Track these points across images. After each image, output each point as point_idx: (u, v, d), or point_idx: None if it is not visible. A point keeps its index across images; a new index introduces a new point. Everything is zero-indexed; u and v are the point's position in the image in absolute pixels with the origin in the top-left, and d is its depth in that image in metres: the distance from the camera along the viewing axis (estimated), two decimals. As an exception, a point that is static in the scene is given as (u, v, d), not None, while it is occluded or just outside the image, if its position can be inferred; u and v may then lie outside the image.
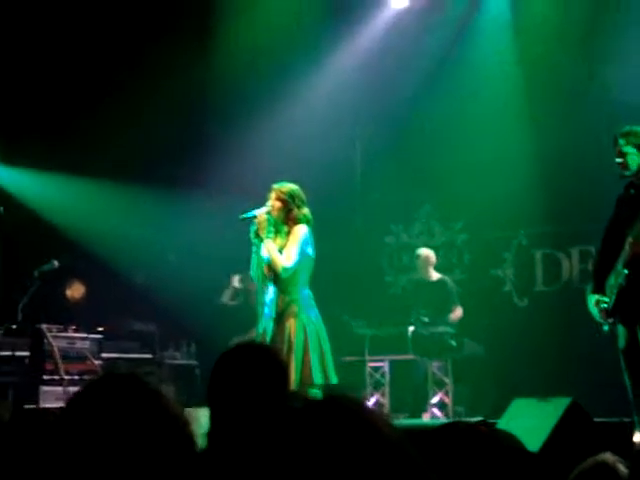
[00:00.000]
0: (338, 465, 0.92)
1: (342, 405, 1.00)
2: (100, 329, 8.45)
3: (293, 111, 10.23)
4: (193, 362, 9.50)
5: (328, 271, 8.00)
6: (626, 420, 5.79)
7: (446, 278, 9.46)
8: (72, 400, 1.26)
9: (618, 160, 5.66)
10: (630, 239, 5.45)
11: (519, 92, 9.72)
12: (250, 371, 2.65)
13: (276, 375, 2.69)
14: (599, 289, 5.70)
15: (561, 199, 9.34)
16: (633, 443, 4.89)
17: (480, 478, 1.95)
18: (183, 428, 1.21)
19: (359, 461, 0.93)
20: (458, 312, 9.19)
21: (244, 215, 6.21)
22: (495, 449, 2.03)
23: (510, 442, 2.15)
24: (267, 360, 2.73)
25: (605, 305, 5.61)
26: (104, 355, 8.35)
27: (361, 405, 1.00)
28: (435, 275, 9.44)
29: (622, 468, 2.37)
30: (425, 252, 9.53)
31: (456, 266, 10.42)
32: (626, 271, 5.45)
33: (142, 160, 9.60)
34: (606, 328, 5.71)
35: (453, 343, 9.03)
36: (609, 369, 6.08)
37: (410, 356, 9.12)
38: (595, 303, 5.69)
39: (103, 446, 1.14)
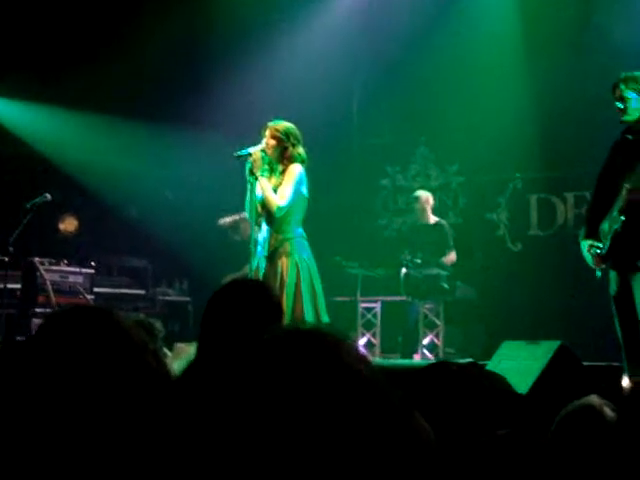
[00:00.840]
0: (305, 395, 0.91)
1: (312, 336, 0.99)
2: (93, 264, 8.45)
3: (292, 50, 10.13)
4: (186, 298, 9.53)
5: (322, 212, 7.99)
6: (615, 364, 5.83)
7: (444, 222, 9.44)
8: (36, 332, 1.25)
9: (619, 105, 5.61)
10: (627, 185, 5.43)
11: (517, 37, 9.64)
12: (243, 306, 2.64)
13: (269, 311, 2.68)
14: (592, 234, 5.70)
15: (557, 144, 9.30)
16: (621, 387, 4.92)
17: (468, 417, 1.95)
18: (148, 358, 1.20)
19: (325, 393, 0.92)
20: (452, 256, 9.19)
21: (239, 152, 6.17)
22: (483, 390, 2.03)
23: (499, 383, 2.16)
24: (260, 296, 2.73)
25: (599, 250, 5.61)
26: (96, 290, 8.36)
27: (334, 338, 0.99)
28: (433, 218, 9.40)
29: (608, 411, 2.38)
30: (424, 194, 9.49)
31: (451, 209, 10.41)
32: (623, 217, 5.43)
33: (138, 95, 9.50)
34: (599, 274, 5.72)
35: (445, 286, 9.05)
36: (600, 314, 6.11)
37: (402, 297, 9.15)
38: (588, 248, 5.69)
39: (61, 377, 1.13)
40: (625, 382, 5.00)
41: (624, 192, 5.44)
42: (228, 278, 8.78)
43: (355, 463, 0.89)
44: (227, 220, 9.43)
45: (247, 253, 6.23)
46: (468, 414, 1.95)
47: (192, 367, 2.32)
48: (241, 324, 2.56)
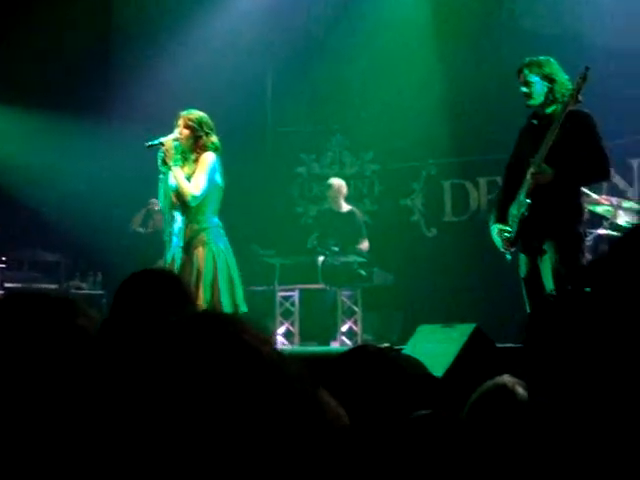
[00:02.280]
0: (204, 374, 0.90)
1: (214, 318, 0.98)
2: (3, 259, 8.25)
3: (203, 39, 10.02)
4: (99, 292, 9.36)
5: (238, 201, 7.94)
6: (527, 345, 5.94)
7: (355, 210, 9.51)
8: None
9: (524, 90, 5.72)
10: (532, 169, 5.53)
11: (427, 23, 9.71)
12: (151, 296, 2.60)
13: (178, 299, 2.64)
14: (502, 219, 5.80)
15: (469, 130, 9.43)
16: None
17: (384, 400, 1.96)
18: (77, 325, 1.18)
19: (225, 371, 0.91)
20: (364, 245, 9.28)
21: (151, 142, 6.09)
22: (400, 373, 2.04)
23: (415, 367, 2.17)
24: (169, 285, 2.69)
25: (507, 235, 5.71)
26: (7, 285, 8.17)
27: (236, 320, 0.98)
28: (345, 207, 9.47)
29: (520, 390, 2.42)
30: (337, 182, 9.54)
31: (366, 196, 10.46)
32: (529, 201, 5.54)
33: (48, 86, 9.30)
34: (509, 257, 5.83)
35: (363, 272, 9.11)
36: (512, 297, 6.21)
37: (320, 285, 9.17)
38: (498, 232, 5.79)
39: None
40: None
41: (529, 176, 5.55)
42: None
43: (255, 441, 0.88)
44: (137, 222, 9.34)
45: (162, 245, 6.17)
46: (386, 396, 1.95)
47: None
48: (150, 313, 2.52)
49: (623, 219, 6.86)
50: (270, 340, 0.98)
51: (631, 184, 8.42)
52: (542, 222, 5.52)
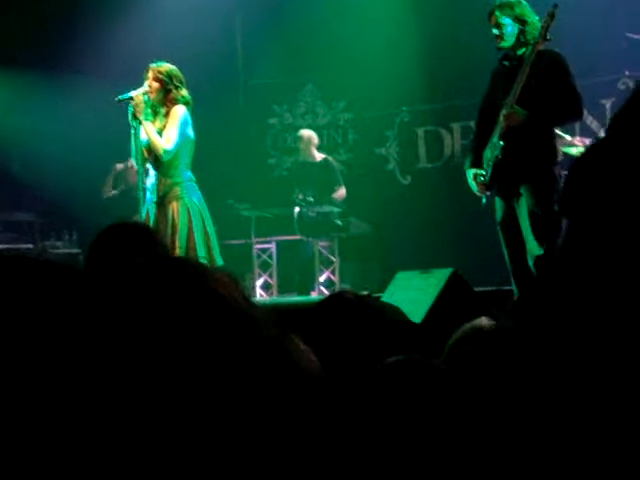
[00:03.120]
0: (168, 320, 0.89)
1: (179, 263, 0.96)
2: (-25, 221, 8.18)
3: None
4: (76, 250, 9.30)
5: (210, 154, 7.89)
6: (505, 289, 5.98)
7: (329, 158, 9.50)
8: None
9: (495, 32, 5.69)
10: (504, 111, 5.52)
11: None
12: (125, 248, 2.58)
13: (153, 252, 2.62)
14: (476, 163, 5.79)
15: (441, 75, 9.38)
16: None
17: (363, 346, 1.96)
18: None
19: (188, 317, 0.90)
20: (342, 192, 9.26)
21: (120, 97, 6.02)
22: (378, 319, 2.04)
23: (393, 313, 2.17)
24: (142, 237, 2.66)
25: (482, 179, 5.71)
26: (-19, 247, 8.10)
27: (202, 266, 0.97)
28: (319, 156, 9.45)
29: (498, 332, 2.42)
30: (307, 133, 9.52)
31: (341, 146, 10.43)
32: (502, 143, 5.53)
33: (12, 43, 9.12)
34: (484, 201, 5.83)
35: (339, 222, 9.11)
36: (490, 241, 6.23)
37: (297, 236, 9.17)
38: (473, 177, 5.78)
39: None
40: (515, 304, 5.12)
41: (501, 118, 5.54)
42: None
43: (222, 388, 0.87)
44: (108, 187, 9.28)
45: (136, 201, 6.12)
46: (364, 342, 1.95)
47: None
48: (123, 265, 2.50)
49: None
50: (238, 286, 0.97)
51: (604, 125, 8.42)
52: (517, 165, 5.52)
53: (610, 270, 1.25)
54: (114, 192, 9.42)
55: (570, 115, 5.71)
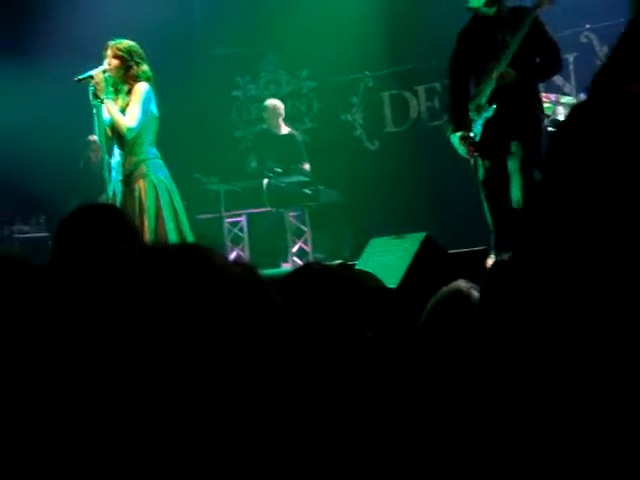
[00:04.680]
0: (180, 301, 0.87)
1: (184, 250, 0.94)
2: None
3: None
4: (44, 234, 9.19)
5: (175, 130, 7.81)
6: (478, 249, 5.99)
7: (295, 132, 9.45)
8: None
9: None
10: (496, 72, 5.54)
11: None
12: (92, 231, 2.53)
13: (121, 233, 2.58)
14: (460, 126, 5.78)
15: (403, 38, 9.33)
16: (485, 268, 5.08)
17: (339, 317, 1.93)
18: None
19: (205, 305, 0.89)
20: (306, 167, 9.24)
21: (79, 76, 5.94)
22: (349, 288, 2.01)
23: (368, 281, 2.14)
24: (111, 218, 2.61)
25: (471, 140, 5.71)
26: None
27: (205, 249, 0.96)
28: (285, 129, 9.40)
29: (475, 293, 2.42)
30: (272, 103, 9.45)
31: (305, 115, 10.36)
32: (494, 105, 5.56)
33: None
34: (472, 163, 5.84)
35: (308, 192, 9.07)
36: (460, 202, 6.24)
37: (267, 208, 9.13)
38: (460, 140, 5.77)
39: None
40: (489, 263, 5.14)
41: (493, 78, 5.55)
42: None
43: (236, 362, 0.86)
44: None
45: (101, 179, 6.07)
46: (337, 313, 1.92)
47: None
48: (93, 249, 2.45)
49: (563, 115, 6.89)
50: (244, 263, 0.96)
51: (568, 80, 8.41)
52: (508, 123, 5.55)
53: (589, 233, 1.24)
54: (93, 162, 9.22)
55: (554, 69, 5.85)
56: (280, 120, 9.39)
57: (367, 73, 9.87)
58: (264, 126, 9.61)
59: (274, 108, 9.39)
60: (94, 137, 8.76)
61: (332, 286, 1.91)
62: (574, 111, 1.35)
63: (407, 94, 9.73)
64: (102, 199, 8.35)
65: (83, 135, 8.79)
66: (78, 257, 1.05)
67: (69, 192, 8.68)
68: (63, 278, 1.00)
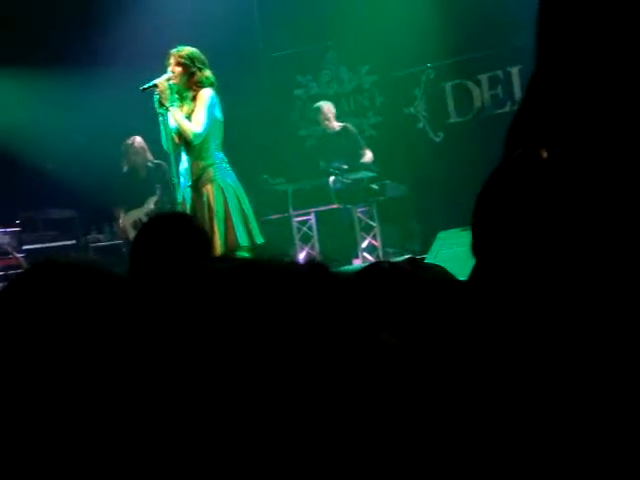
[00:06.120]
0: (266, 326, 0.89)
1: (272, 266, 0.96)
2: (17, 222, 8.26)
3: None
4: (118, 241, 9.38)
5: (240, 133, 7.87)
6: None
7: (347, 124, 9.50)
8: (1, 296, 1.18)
9: None
10: None
11: None
12: (167, 241, 2.59)
13: (195, 241, 2.64)
14: None
15: (463, 28, 9.26)
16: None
17: (410, 315, 1.94)
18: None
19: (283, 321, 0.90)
20: (368, 155, 9.25)
21: (144, 85, 6.03)
22: (420, 283, 2.02)
23: (437, 274, 2.14)
24: (184, 227, 2.67)
25: None
26: (25, 247, 8.19)
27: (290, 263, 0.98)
28: (337, 125, 9.46)
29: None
30: (324, 105, 9.55)
31: (369, 110, 10.37)
32: None
33: (30, 41, 9.15)
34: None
35: (375, 187, 9.07)
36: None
37: (335, 205, 9.16)
38: None
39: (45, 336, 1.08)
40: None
41: None
42: (126, 215, 8.75)
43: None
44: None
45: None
46: (403, 310, 1.93)
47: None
48: (166, 258, 2.51)
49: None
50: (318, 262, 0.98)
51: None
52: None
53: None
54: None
55: None
56: (333, 119, 9.48)
57: (428, 65, 9.83)
58: (319, 128, 9.70)
59: (327, 109, 9.49)
60: (132, 139, 8.93)
61: (399, 284, 1.93)
62: (493, 175, 1.45)
63: (470, 84, 9.67)
64: (149, 205, 8.57)
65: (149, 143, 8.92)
66: (158, 268, 1.07)
67: (138, 200, 8.86)
68: (146, 290, 1.02)
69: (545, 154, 1.37)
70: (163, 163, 8.48)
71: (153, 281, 1.02)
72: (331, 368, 0.88)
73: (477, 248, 1.43)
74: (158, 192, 8.69)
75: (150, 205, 8.71)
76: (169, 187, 8.47)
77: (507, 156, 1.52)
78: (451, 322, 1.51)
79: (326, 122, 9.47)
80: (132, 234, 8.78)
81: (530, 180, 1.35)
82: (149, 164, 8.84)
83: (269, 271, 0.94)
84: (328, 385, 0.87)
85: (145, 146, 8.93)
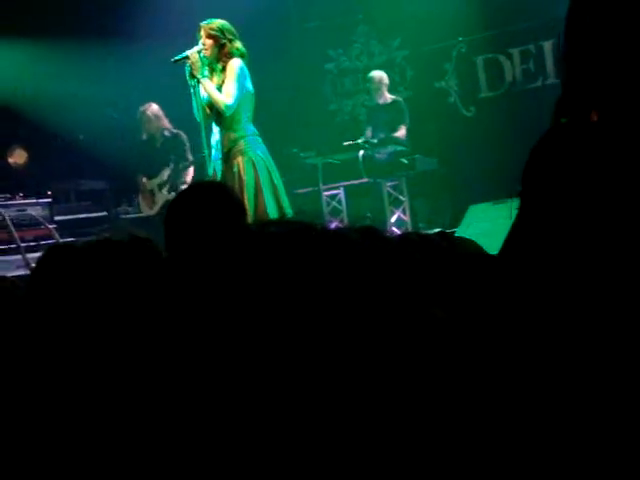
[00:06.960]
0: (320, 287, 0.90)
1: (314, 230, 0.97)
2: (49, 193, 8.32)
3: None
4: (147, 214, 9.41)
5: (271, 106, 7.87)
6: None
7: (399, 98, 9.45)
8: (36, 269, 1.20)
9: None
10: None
11: None
12: (203, 209, 2.60)
13: (230, 210, 2.64)
14: None
15: (496, 1, 9.18)
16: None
17: (448, 288, 1.94)
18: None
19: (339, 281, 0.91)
20: (402, 131, 9.21)
21: (176, 57, 6.04)
22: (447, 257, 2.02)
23: (469, 248, 2.14)
24: (220, 197, 2.68)
25: None
26: (57, 218, 8.25)
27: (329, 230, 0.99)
28: (389, 97, 9.41)
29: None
30: (378, 74, 9.47)
31: (399, 84, 10.31)
32: None
33: (61, 14, 9.18)
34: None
35: (405, 161, 9.04)
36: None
37: (364, 179, 9.15)
38: None
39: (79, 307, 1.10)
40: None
41: None
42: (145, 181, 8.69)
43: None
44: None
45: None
46: (433, 282, 1.94)
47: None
48: (204, 227, 2.52)
49: None
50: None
51: None
52: None
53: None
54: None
55: None
56: (385, 90, 9.42)
57: (460, 38, 9.75)
58: (368, 98, 9.63)
59: (380, 78, 9.42)
60: (145, 106, 8.81)
61: (429, 256, 1.93)
62: (541, 142, 1.42)
63: (501, 57, 9.58)
64: (165, 172, 8.49)
65: (175, 115, 8.81)
66: (196, 237, 1.08)
67: (143, 166, 8.78)
68: (189, 262, 1.03)
69: (595, 117, 1.36)
70: (182, 133, 8.43)
71: (207, 246, 1.04)
72: (389, 337, 0.88)
73: (524, 215, 1.42)
74: (171, 164, 8.52)
75: (163, 177, 8.59)
76: (184, 157, 8.48)
77: (555, 124, 1.52)
78: (487, 297, 1.52)
79: (378, 91, 9.41)
80: (143, 205, 8.75)
81: (580, 144, 1.33)
82: (166, 133, 8.65)
83: (323, 236, 0.94)
84: (386, 352, 0.88)
85: (161, 114, 8.68)
